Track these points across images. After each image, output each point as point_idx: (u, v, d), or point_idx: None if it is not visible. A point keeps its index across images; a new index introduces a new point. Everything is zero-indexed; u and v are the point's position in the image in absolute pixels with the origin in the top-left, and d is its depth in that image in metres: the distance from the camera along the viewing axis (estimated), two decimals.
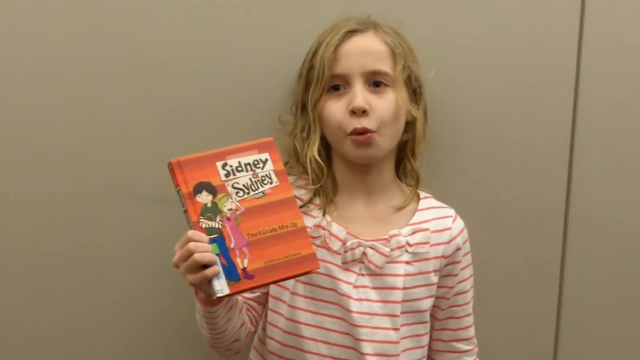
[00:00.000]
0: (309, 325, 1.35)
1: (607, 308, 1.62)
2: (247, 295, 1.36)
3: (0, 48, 1.42)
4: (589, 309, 1.60)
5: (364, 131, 1.31)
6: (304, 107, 1.37)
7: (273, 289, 1.37)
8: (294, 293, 1.36)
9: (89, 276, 1.49)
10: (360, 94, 1.31)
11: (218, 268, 1.17)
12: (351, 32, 1.34)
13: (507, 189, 1.57)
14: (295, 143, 1.38)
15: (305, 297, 1.36)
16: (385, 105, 1.33)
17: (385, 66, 1.33)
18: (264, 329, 1.40)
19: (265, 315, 1.40)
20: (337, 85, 1.33)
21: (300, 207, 1.35)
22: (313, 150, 1.35)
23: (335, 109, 1.33)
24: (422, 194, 1.43)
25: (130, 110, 1.47)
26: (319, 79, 1.32)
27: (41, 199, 1.46)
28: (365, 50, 1.33)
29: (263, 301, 1.40)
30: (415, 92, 1.39)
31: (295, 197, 1.32)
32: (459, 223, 1.43)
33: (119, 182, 1.47)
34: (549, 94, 1.55)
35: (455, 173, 1.55)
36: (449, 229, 1.40)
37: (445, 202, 1.45)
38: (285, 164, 1.33)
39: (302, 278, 1.34)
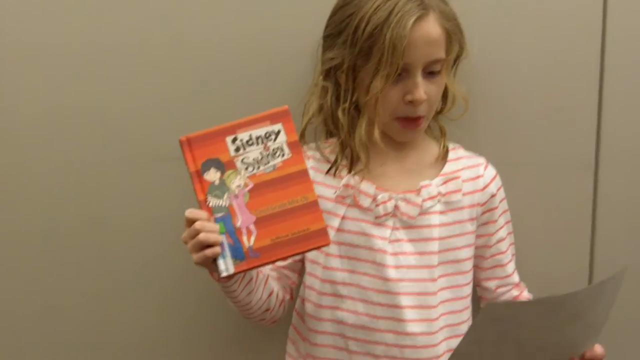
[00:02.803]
0: (345, 284, 1.35)
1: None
2: (279, 263, 1.37)
3: (20, 19, 1.46)
4: (621, 258, 1.51)
5: (418, 119, 1.31)
6: (353, 74, 1.31)
7: (309, 253, 1.36)
8: (328, 254, 1.35)
9: (113, 241, 1.53)
10: (421, 87, 1.29)
11: (218, 249, 1.18)
12: (418, 18, 1.27)
13: (536, 142, 1.52)
14: (340, 115, 1.34)
15: (340, 256, 1.35)
16: (437, 91, 1.34)
17: (442, 53, 1.31)
18: (302, 293, 1.41)
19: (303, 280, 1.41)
20: None
21: (329, 169, 1.35)
22: (362, 132, 1.32)
23: (391, 95, 1.30)
24: (451, 145, 1.41)
25: (153, 77, 1.48)
26: (388, 67, 1.26)
27: (67, 164, 1.50)
28: (429, 40, 1.29)
29: (297, 269, 1.41)
30: (455, 60, 1.38)
31: (325, 157, 1.34)
32: (491, 170, 1.41)
33: (142, 145, 1.49)
34: (576, 46, 1.49)
35: (484, 126, 1.49)
36: (481, 176, 1.39)
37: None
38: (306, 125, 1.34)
39: (335, 239, 1.33)
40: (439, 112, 1.41)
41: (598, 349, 1.24)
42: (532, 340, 1.17)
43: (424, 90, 1.29)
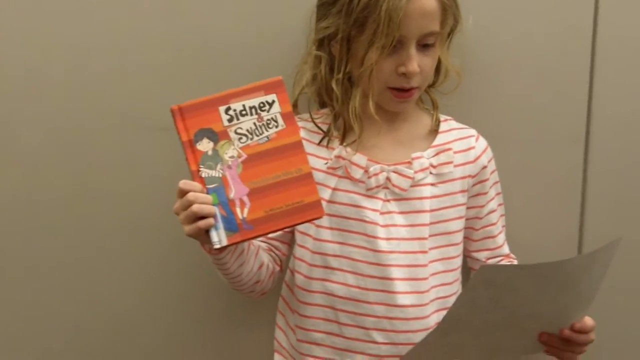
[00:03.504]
0: (336, 256, 1.34)
1: (630, 228, 1.53)
2: (271, 235, 1.36)
3: None
4: (610, 231, 1.46)
5: (410, 89, 1.31)
6: (347, 44, 1.30)
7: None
8: (319, 226, 1.35)
9: (103, 212, 1.52)
10: (414, 59, 1.28)
11: (212, 221, 1.17)
12: None
13: (527, 115, 1.52)
14: (334, 85, 1.32)
15: (331, 228, 1.35)
16: (431, 63, 1.33)
17: (437, 25, 1.30)
18: (292, 265, 1.41)
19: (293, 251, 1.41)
20: None
21: (321, 139, 1.35)
22: (356, 103, 1.32)
23: (384, 66, 1.29)
24: (442, 117, 1.41)
25: (141, 46, 1.46)
26: (383, 38, 1.25)
27: (57, 133, 1.49)
28: (424, 12, 1.28)
29: (288, 240, 1.40)
30: (450, 33, 1.37)
31: (317, 128, 1.34)
32: (482, 142, 1.41)
33: (129, 114, 1.48)
34: (568, 20, 1.49)
35: (476, 100, 1.49)
36: (473, 147, 1.39)
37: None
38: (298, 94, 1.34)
39: (326, 210, 1.31)
40: (431, 85, 1.40)
41: (588, 320, 1.25)
42: (524, 307, 1.18)
43: (417, 62, 1.29)
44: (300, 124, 1.36)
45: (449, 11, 1.32)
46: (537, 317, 1.21)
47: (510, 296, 1.14)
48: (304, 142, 1.28)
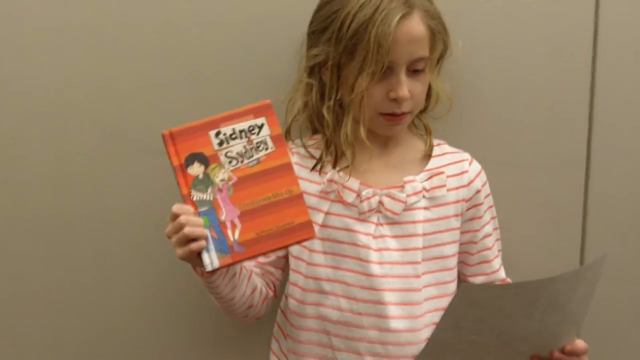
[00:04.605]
0: (329, 280, 1.34)
1: (631, 254, 1.55)
2: (262, 260, 1.37)
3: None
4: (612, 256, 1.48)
5: (402, 115, 1.32)
6: (337, 71, 1.32)
7: (293, 249, 1.36)
8: (312, 250, 1.35)
9: (94, 234, 1.53)
10: (405, 84, 1.30)
11: (204, 243, 1.17)
12: (402, 16, 1.28)
13: (523, 140, 1.52)
14: (325, 112, 1.34)
15: (324, 252, 1.35)
16: (421, 88, 1.34)
17: (426, 51, 1.32)
18: (286, 290, 1.41)
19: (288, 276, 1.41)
20: None
21: (314, 166, 1.36)
22: (347, 130, 1.33)
23: (374, 92, 1.30)
24: (435, 141, 1.42)
25: (131, 71, 1.48)
26: (373, 65, 1.26)
27: (54, 156, 1.50)
28: (412, 38, 1.29)
29: (281, 265, 1.41)
30: (440, 59, 1.38)
31: (310, 154, 1.36)
32: (476, 166, 1.41)
33: (125, 138, 1.49)
34: (568, 45, 1.49)
35: (469, 125, 1.49)
36: (466, 171, 1.39)
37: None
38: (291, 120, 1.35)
39: (319, 234, 1.32)
40: (423, 111, 1.41)
41: (579, 343, 1.24)
42: (511, 328, 1.16)
43: (408, 88, 1.30)
44: (294, 149, 1.38)
45: (437, 36, 1.33)
46: (526, 338, 1.20)
47: (496, 316, 1.14)
48: (296, 167, 1.30)
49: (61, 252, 1.52)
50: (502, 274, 1.44)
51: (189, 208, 1.19)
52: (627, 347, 1.59)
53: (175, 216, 1.18)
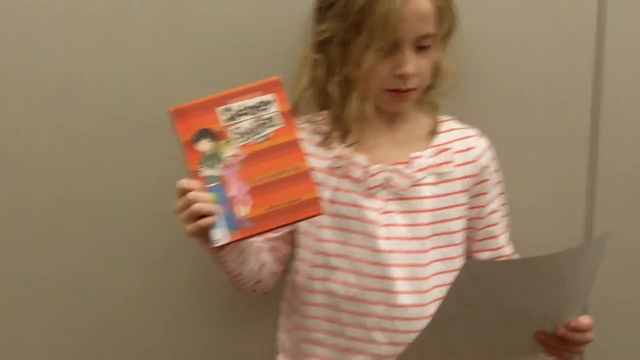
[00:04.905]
0: (337, 256, 1.35)
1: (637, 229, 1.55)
2: (270, 235, 1.37)
3: None
4: (618, 230, 1.49)
5: (407, 91, 1.32)
6: (344, 48, 1.32)
7: (301, 224, 1.37)
8: (320, 226, 1.35)
9: (102, 213, 1.53)
10: (411, 61, 1.30)
11: (213, 219, 1.18)
12: None
13: (530, 115, 1.53)
14: (331, 88, 1.34)
15: (332, 228, 1.35)
16: (427, 65, 1.34)
17: (432, 28, 1.31)
18: (294, 265, 1.41)
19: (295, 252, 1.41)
20: None
21: (322, 142, 1.37)
22: (353, 105, 1.33)
23: (380, 69, 1.30)
24: (443, 117, 1.42)
25: (138, 47, 1.47)
26: (379, 41, 1.27)
27: (57, 133, 1.50)
28: (419, 15, 1.29)
29: (289, 240, 1.41)
30: (446, 35, 1.38)
31: (318, 130, 1.36)
32: (483, 142, 1.42)
33: (125, 115, 1.49)
34: (573, 20, 1.49)
35: (479, 101, 1.50)
36: (473, 147, 1.40)
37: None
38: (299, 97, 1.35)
39: (327, 210, 1.32)
40: (430, 87, 1.41)
41: (584, 319, 1.23)
42: (515, 303, 1.16)
43: (413, 64, 1.30)
44: (301, 125, 1.38)
45: (444, 13, 1.33)
46: (528, 314, 1.20)
47: (500, 292, 1.14)
48: (304, 143, 1.30)
49: (69, 232, 1.53)
50: (508, 249, 1.44)
51: (196, 183, 1.19)
52: (633, 323, 1.60)
53: (184, 192, 1.19)
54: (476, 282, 1.11)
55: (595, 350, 1.46)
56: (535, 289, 1.15)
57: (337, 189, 1.35)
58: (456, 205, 1.37)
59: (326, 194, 1.34)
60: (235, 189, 1.20)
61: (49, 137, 1.49)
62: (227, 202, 1.20)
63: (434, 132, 1.39)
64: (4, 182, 1.50)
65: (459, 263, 1.39)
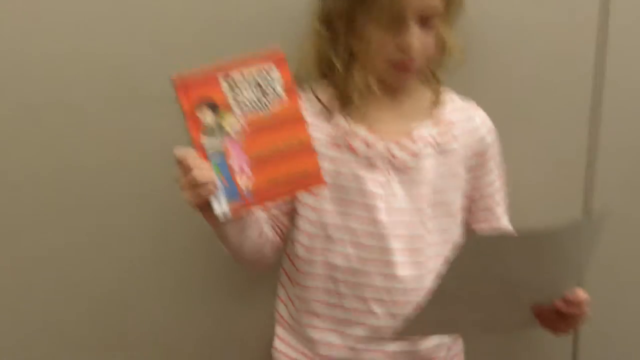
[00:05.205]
0: (337, 227, 1.35)
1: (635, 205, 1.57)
2: (271, 207, 1.37)
3: None
4: (616, 210, 1.49)
5: (411, 64, 1.31)
6: (349, 20, 1.31)
7: (301, 196, 1.37)
8: (320, 197, 1.35)
9: (105, 185, 1.52)
10: (415, 35, 1.29)
11: (213, 188, 1.17)
12: None
13: (532, 94, 1.53)
14: (335, 60, 1.33)
15: (332, 199, 1.35)
16: (432, 40, 1.33)
17: (438, 3, 1.30)
18: (293, 236, 1.41)
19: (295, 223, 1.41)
20: None
21: (324, 114, 1.36)
22: (357, 78, 1.32)
23: (385, 42, 1.29)
24: (445, 93, 1.42)
25: (139, 18, 1.46)
26: (385, 16, 1.26)
27: (57, 106, 1.48)
28: None
29: (289, 211, 1.40)
30: (454, 10, 1.37)
31: (320, 102, 1.35)
32: (482, 114, 1.42)
33: (136, 86, 1.48)
34: (577, 3, 1.50)
35: (482, 77, 1.50)
36: (472, 120, 1.40)
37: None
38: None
39: (328, 180, 1.31)
40: (434, 63, 1.40)
41: (580, 292, 1.24)
42: (513, 276, 1.17)
43: (418, 39, 1.29)
44: (302, 97, 1.37)
45: None
46: (527, 287, 1.20)
47: (499, 265, 1.14)
48: (306, 114, 1.29)
49: (72, 202, 1.52)
50: (504, 222, 1.45)
51: (191, 150, 1.18)
52: (629, 300, 1.61)
53: (181, 161, 1.18)
54: (475, 255, 1.11)
55: (590, 327, 1.47)
56: (534, 262, 1.15)
57: (337, 161, 1.34)
58: (455, 178, 1.38)
59: (326, 165, 1.33)
60: (237, 160, 1.20)
61: (52, 106, 1.48)
62: (228, 173, 1.19)
63: (436, 107, 1.39)
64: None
65: (457, 235, 1.40)
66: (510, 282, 1.18)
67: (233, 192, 1.19)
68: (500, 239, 1.18)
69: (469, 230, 1.45)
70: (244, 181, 1.19)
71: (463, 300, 1.19)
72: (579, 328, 1.32)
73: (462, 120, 1.39)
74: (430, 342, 1.39)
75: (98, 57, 1.46)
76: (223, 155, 1.19)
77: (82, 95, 1.47)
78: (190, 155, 1.18)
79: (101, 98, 1.47)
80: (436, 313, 1.20)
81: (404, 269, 1.34)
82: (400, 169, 1.34)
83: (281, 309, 1.47)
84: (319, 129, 1.35)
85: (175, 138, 1.21)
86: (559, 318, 1.25)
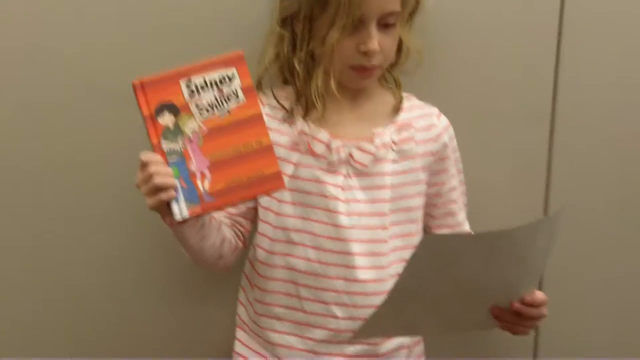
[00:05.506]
0: (298, 231, 1.36)
1: (593, 204, 1.58)
2: (232, 210, 1.38)
3: None
4: (576, 203, 1.53)
5: (372, 68, 1.32)
6: (309, 23, 1.32)
7: (262, 199, 1.37)
8: (281, 201, 1.36)
9: (63, 187, 1.52)
10: (375, 38, 1.29)
11: (173, 193, 1.18)
12: None
13: (490, 94, 1.54)
14: (296, 64, 1.34)
15: (293, 203, 1.36)
16: (392, 42, 1.34)
17: (397, 5, 1.31)
18: (255, 240, 1.42)
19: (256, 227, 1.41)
20: None
21: (284, 117, 1.37)
22: (318, 81, 1.33)
23: (345, 45, 1.30)
24: (405, 95, 1.42)
25: (103, 20, 1.46)
26: (344, 18, 1.26)
27: (21, 104, 1.48)
28: None
29: (251, 216, 1.41)
30: (411, 13, 1.39)
31: (280, 105, 1.36)
32: (444, 120, 1.43)
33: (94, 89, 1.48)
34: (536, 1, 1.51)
35: (442, 79, 1.51)
36: (434, 125, 1.41)
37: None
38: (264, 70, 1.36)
39: (289, 185, 1.33)
40: (393, 65, 1.41)
41: (539, 294, 1.25)
42: (471, 278, 1.17)
43: (378, 41, 1.30)
44: (265, 100, 1.38)
45: None
46: (485, 289, 1.21)
47: (456, 266, 1.14)
48: (267, 118, 1.30)
49: (37, 202, 1.52)
50: (466, 227, 1.46)
51: (158, 157, 1.19)
52: (588, 297, 1.63)
53: (144, 165, 1.18)
54: (433, 256, 1.12)
55: (549, 327, 1.49)
56: (491, 263, 1.16)
57: (298, 165, 1.35)
58: (416, 182, 1.38)
59: (288, 169, 1.34)
60: (196, 163, 1.20)
61: (23, 105, 1.48)
62: (188, 176, 1.20)
63: (396, 110, 1.40)
64: None
65: (418, 239, 1.38)
66: (468, 283, 1.18)
67: (193, 195, 1.19)
68: (456, 240, 1.19)
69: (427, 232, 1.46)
70: (203, 184, 1.20)
71: (421, 301, 1.19)
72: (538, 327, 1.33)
73: (423, 124, 1.40)
74: (390, 344, 1.39)
75: (62, 59, 1.46)
76: (183, 159, 1.20)
77: (45, 97, 1.47)
78: (154, 160, 1.18)
79: (64, 100, 1.48)
80: (394, 314, 1.20)
81: (364, 273, 1.35)
82: (361, 173, 1.35)
83: (242, 312, 1.47)
84: (281, 133, 1.36)
85: (139, 141, 1.22)
86: (517, 319, 1.25)
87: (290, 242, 1.36)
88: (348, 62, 1.31)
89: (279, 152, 1.32)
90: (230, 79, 1.22)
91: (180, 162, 1.20)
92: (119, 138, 1.46)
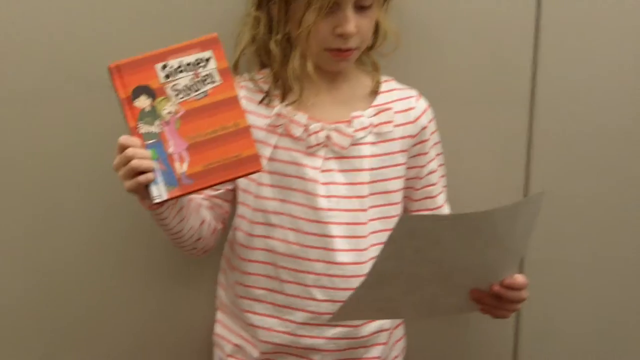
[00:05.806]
0: (277, 213, 1.36)
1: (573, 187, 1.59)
2: (211, 193, 1.38)
3: None
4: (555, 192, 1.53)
5: (348, 50, 1.32)
6: (285, 5, 1.31)
7: (241, 182, 1.38)
8: (260, 184, 1.36)
9: (42, 171, 1.51)
10: (351, 20, 1.29)
11: (151, 176, 1.18)
12: None
13: (469, 77, 1.54)
14: (272, 47, 1.34)
15: (272, 186, 1.36)
16: (368, 25, 1.34)
17: None
18: (234, 223, 1.42)
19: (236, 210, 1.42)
20: None
21: (262, 99, 1.37)
22: (295, 64, 1.33)
23: (321, 28, 1.30)
24: (383, 78, 1.42)
25: (78, 5, 1.45)
26: (319, 1, 1.27)
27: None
28: None
29: (230, 198, 1.41)
30: None
31: (258, 87, 1.36)
32: (423, 102, 1.42)
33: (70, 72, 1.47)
34: None
35: (420, 61, 1.51)
36: (413, 108, 1.41)
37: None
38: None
39: (267, 168, 1.33)
40: (370, 48, 1.41)
41: (519, 277, 1.24)
42: (450, 260, 1.17)
43: (354, 24, 1.30)
44: (242, 83, 1.38)
45: None
46: (465, 271, 1.21)
47: (435, 248, 1.15)
48: (245, 101, 1.31)
49: (14, 190, 1.51)
50: (446, 209, 1.46)
51: (136, 140, 1.19)
52: (568, 281, 1.64)
53: (122, 148, 1.19)
54: (411, 237, 1.12)
55: (530, 309, 1.50)
56: (470, 246, 1.16)
57: (277, 147, 1.35)
58: (395, 165, 1.38)
59: (266, 152, 1.35)
60: (174, 146, 1.20)
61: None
62: (165, 159, 1.20)
63: (374, 92, 1.40)
64: None
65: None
66: (447, 265, 1.18)
67: (171, 177, 1.20)
68: (436, 221, 1.19)
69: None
70: (181, 167, 1.20)
71: (399, 284, 1.20)
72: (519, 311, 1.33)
73: (402, 107, 1.40)
74: (371, 327, 1.40)
75: (35, 43, 1.45)
76: (160, 142, 1.20)
77: (19, 82, 1.47)
78: (132, 143, 1.18)
79: (39, 84, 1.47)
80: (372, 296, 1.21)
81: (344, 256, 1.35)
82: (339, 155, 1.35)
83: (221, 294, 1.47)
84: (258, 116, 1.36)
85: (115, 124, 1.22)
86: (497, 302, 1.26)
87: (269, 224, 1.36)
88: (324, 44, 1.32)
89: (257, 134, 1.33)
90: (206, 62, 1.22)
91: (157, 145, 1.20)
92: (97, 124, 1.46)
